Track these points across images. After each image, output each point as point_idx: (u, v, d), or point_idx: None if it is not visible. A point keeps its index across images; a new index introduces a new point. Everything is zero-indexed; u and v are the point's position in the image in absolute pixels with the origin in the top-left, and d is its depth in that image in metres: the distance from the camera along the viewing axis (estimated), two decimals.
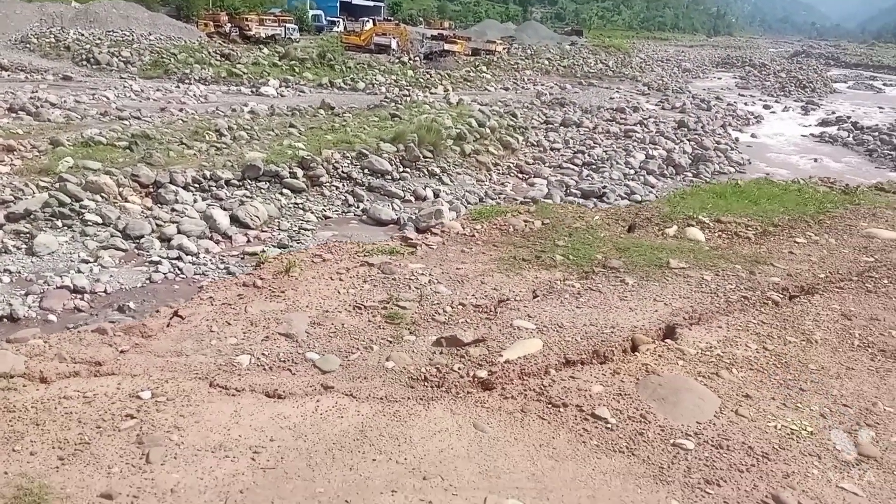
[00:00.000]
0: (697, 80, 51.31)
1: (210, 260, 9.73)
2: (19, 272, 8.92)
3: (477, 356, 6.35)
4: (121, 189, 11.23)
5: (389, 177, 14.03)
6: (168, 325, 7.11)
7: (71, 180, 11.05)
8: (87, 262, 9.32)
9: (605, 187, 15.30)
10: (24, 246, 9.55)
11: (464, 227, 10.83)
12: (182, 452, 4.84)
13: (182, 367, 6.13)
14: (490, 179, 16.12)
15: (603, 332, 6.89)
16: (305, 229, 11.14)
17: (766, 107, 35.62)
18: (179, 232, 10.28)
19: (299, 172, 12.79)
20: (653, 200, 13.72)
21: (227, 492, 4.46)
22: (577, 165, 17.98)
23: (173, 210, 11.06)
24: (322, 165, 13.20)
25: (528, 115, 23.54)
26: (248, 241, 10.60)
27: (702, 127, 24.84)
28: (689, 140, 22.00)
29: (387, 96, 26.32)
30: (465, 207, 13.06)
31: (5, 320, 7.90)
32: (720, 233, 10.62)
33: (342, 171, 13.47)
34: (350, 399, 5.65)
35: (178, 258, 9.59)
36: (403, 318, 7.25)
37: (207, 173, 12.20)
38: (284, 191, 12.44)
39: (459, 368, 6.14)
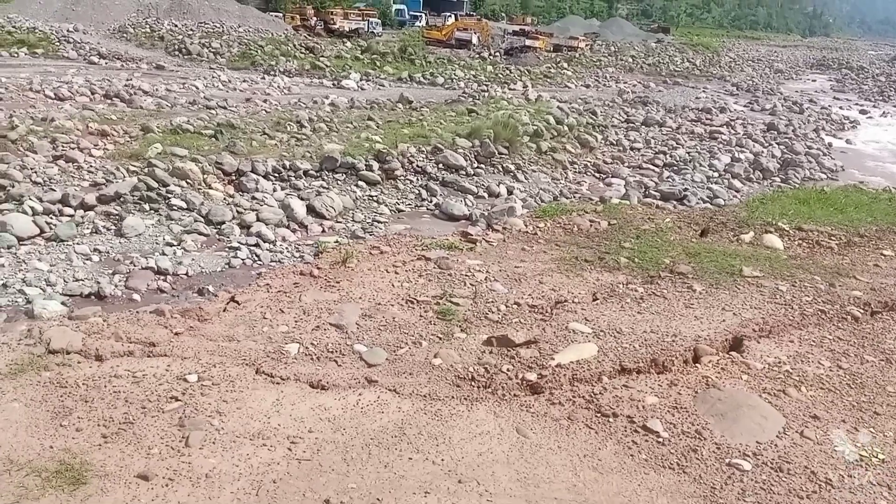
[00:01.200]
0: (790, 82, 49.14)
1: (286, 248, 10.00)
2: (108, 252, 9.40)
3: (527, 358, 6.16)
4: (205, 176, 11.68)
5: (463, 172, 14.07)
6: (224, 310, 7.21)
7: (159, 166, 11.56)
8: (171, 245, 9.73)
9: (686, 189, 14.86)
10: (113, 227, 10.06)
11: (526, 225, 10.59)
12: (221, 438, 4.88)
13: (232, 352, 6.20)
14: (566, 178, 15.94)
15: (664, 340, 6.56)
16: (378, 221, 11.31)
17: (862, 112, 33.78)
18: (258, 219, 10.61)
19: (375, 165, 12.99)
20: (731, 205, 13.17)
21: (260, 480, 4.49)
22: (657, 166, 17.55)
23: (253, 198, 11.42)
24: (397, 159, 13.37)
25: (609, 114, 23.14)
26: (323, 230, 10.84)
27: (793, 130, 23.76)
28: (778, 144, 21.10)
29: (465, 91, 26.37)
30: (539, 205, 12.96)
31: (93, 297, 8.36)
32: (800, 241, 10.11)
33: (417, 165, 13.60)
34: (393, 394, 5.57)
35: (256, 245, 9.90)
36: (455, 314, 7.13)
37: (287, 163, 12.54)
38: (360, 183, 12.65)
39: (508, 370, 5.97)
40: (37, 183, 10.95)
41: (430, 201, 12.65)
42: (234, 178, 11.94)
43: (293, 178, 12.25)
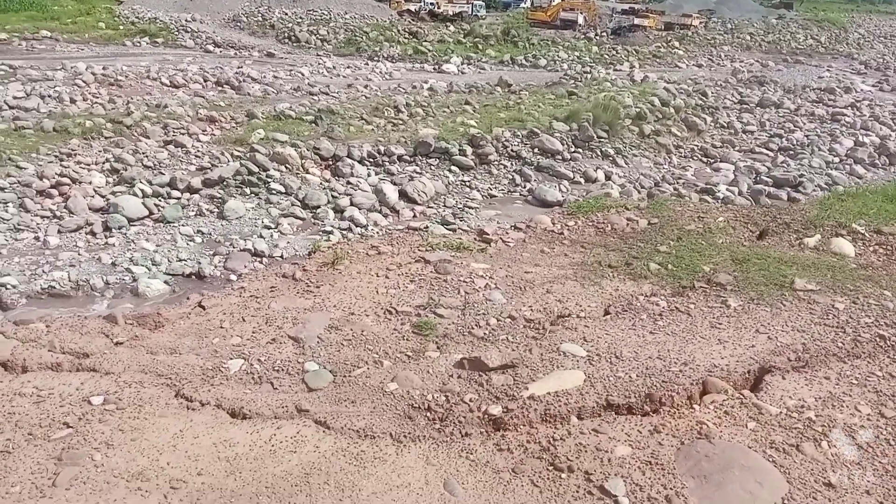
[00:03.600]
0: None
1: (377, 232, 10.08)
2: (210, 234, 9.79)
3: (498, 386, 5.33)
4: (303, 161, 11.95)
5: (560, 157, 13.72)
6: (188, 316, 6.68)
7: (260, 151, 11.92)
8: (268, 228, 10.02)
9: (801, 175, 13.88)
10: (216, 210, 10.46)
11: (554, 224, 9.52)
12: (95, 477, 4.28)
13: (164, 368, 5.63)
14: (669, 162, 15.26)
15: (670, 369, 5.51)
16: (470, 207, 11.21)
17: None
18: (352, 204, 10.75)
19: (468, 150, 12.88)
20: (801, 202, 11.25)
21: None
22: (771, 150, 16.50)
23: (348, 183, 11.58)
24: (491, 143, 13.20)
25: (721, 95, 21.94)
26: (414, 216, 10.86)
27: None
28: None
29: (567, 73, 25.76)
30: (638, 192, 12.47)
31: (193, 277, 8.74)
32: (877, 247, 8.63)
33: (511, 150, 13.38)
34: (318, 429, 4.85)
35: (349, 229, 10.04)
36: (435, 328, 6.33)
37: (382, 148, 12.63)
38: (453, 168, 12.58)
39: (472, 400, 5.13)
40: (147, 167, 11.55)
41: (524, 187, 12.41)
42: (330, 162, 12.15)
43: (387, 163, 12.34)
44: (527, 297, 7.10)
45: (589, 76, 24.24)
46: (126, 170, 11.16)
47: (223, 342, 6.12)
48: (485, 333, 6.26)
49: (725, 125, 18.12)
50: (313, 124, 14.21)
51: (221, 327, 6.40)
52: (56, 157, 11.56)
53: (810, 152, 16.03)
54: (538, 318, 6.55)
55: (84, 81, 17.17)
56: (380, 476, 4.37)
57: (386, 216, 10.70)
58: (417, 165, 12.49)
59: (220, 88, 18.65)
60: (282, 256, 9.27)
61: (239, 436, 4.73)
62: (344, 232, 9.92)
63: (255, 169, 11.31)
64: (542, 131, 14.09)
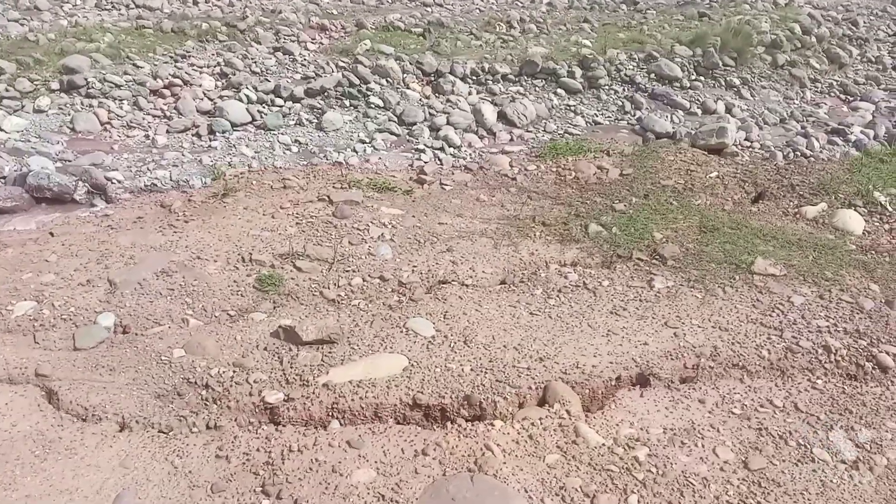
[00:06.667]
0: None
1: (470, 154, 9.84)
2: (306, 144, 9.89)
3: (301, 366, 4.60)
4: (405, 75, 11.74)
5: (678, 84, 12.79)
6: (34, 242, 6.22)
7: (364, 62, 11.81)
8: (363, 142, 10.00)
9: None
10: (315, 120, 10.53)
11: (511, 166, 8.61)
12: None
13: None
14: (801, 97, 13.91)
15: (516, 364, 4.60)
16: (571, 133, 10.70)
17: None
18: (448, 123, 10.52)
19: (577, 72, 12.21)
20: (830, 160, 9.43)
21: None
22: None
23: (448, 101, 11.31)
24: (603, 66, 12.45)
25: (874, 25, 19.58)
26: (512, 139, 10.51)
27: None
28: None
29: None
30: (761, 128, 11.50)
31: None
32: None
33: (625, 74, 12.58)
34: (37, 401, 4.17)
35: (441, 149, 9.85)
36: (283, 284, 5.62)
37: (486, 66, 12.19)
38: (559, 90, 12.00)
39: (257, 381, 4.42)
40: (255, 73, 11.73)
41: (633, 115, 11.69)
42: (432, 78, 11.88)
43: (490, 82, 11.92)
44: (419, 254, 6.29)
45: None
46: (234, 74, 11.39)
47: (34, 278, 5.52)
48: (336, 296, 5.53)
49: (874, 60, 16.27)
50: (421, 37, 13.90)
51: (46, 261, 5.81)
52: (171, 58, 11.94)
53: None
54: (414, 281, 5.78)
55: None
56: (49, 474, 3.64)
57: (482, 138, 10.41)
58: (522, 86, 12.00)
59: None
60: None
61: None
62: (436, 152, 9.74)
63: (356, 81, 11.24)
64: (661, 55, 13.15)
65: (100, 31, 12.73)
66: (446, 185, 8.01)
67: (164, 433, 4.05)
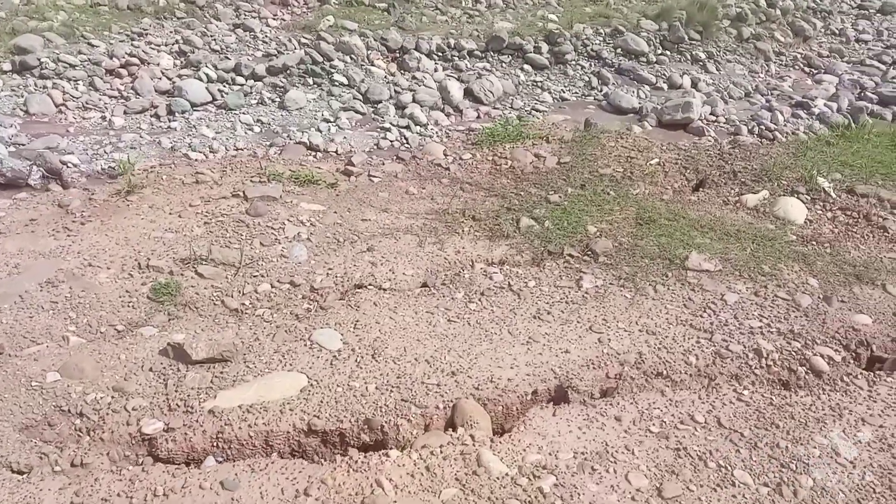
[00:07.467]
0: None
1: (436, 132, 9.73)
2: (269, 124, 9.70)
3: (188, 389, 4.15)
4: (369, 52, 11.55)
5: (644, 59, 12.77)
6: None
7: (327, 39, 11.59)
8: (327, 121, 9.83)
9: None
10: (277, 99, 10.32)
11: (445, 155, 8.30)
12: None
13: None
14: (766, 71, 13.98)
15: (426, 380, 4.27)
16: (538, 110, 10.64)
17: None
18: (414, 101, 10.38)
19: (544, 47, 12.12)
20: (780, 142, 9.13)
21: None
22: (885, 63, 14.85)
23: (413, 78, 11.16)
24: (570, 41, 12.37)
25: None
26: (478, 116, 10.41)
27: None
28: None
29: None
30: (726, 102, 11.55)
31: None
32: (839, 212, 6.99)
33: (591, 49, 12.51)
34: None
35: (407, 127, 9.73)
36: (179, 294, 5.14)
37: (452, 42, 12.04)
38: (525, 66, 11.91)
39: (136, 408, 3.95)
40: (214, 50, 11.45)
41: (600, 90, 11.66)
42: (397, 55, 11.70)
43: (456, 59, 11.78)
44: (337, 255, 5.89)
45: None
46: (193, 52, 11.10)
47: None
48: (239, 305, 5.10)
49: (837, 32, 16.40)
50: (385, 12, 13.67)
51: None
52: (127, 35, 11.59)
53: None
54: (327, 287, 5.35)
55: None
56: None
57: (448, 115, 10.30)
58: (488, 62, 11.89)
59: None
60: (336, 152, 9.09)
61: None
62: (402, 130, 9.62)
63: (320, 59, 11.03)
64: (628, 30, 13.10)
65: (53, 8, 12.30)
66: (375, 176, 7.67)
67: (20, 474, 3.53)
